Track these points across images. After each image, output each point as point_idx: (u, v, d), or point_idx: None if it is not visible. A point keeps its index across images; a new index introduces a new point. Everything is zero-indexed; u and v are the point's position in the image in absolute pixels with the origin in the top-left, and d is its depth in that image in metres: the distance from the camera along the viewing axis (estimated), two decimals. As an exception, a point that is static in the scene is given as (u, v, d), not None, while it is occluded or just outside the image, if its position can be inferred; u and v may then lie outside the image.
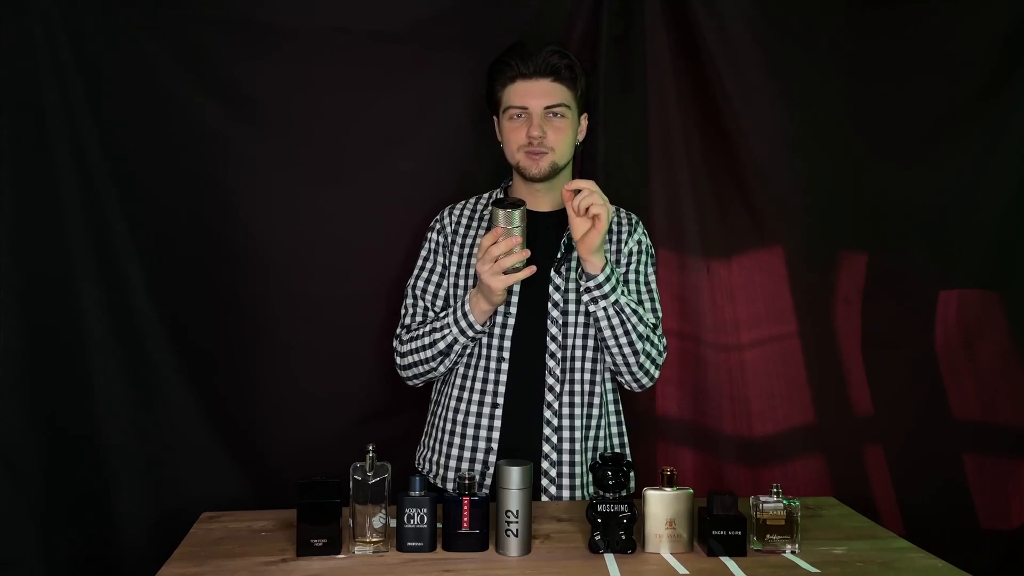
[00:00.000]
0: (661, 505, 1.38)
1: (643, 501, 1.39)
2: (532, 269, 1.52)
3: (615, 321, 1.59)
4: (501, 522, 1.37)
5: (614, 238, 1.73)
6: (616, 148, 1.98)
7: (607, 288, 1.56)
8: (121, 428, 1.85)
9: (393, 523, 1.38)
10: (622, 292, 1.60)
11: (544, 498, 1.64)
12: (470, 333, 1.59)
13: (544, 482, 1.65)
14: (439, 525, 1.40)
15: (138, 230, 1.85)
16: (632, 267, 1.71)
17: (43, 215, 1.80)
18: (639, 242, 1.74)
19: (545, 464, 1.65)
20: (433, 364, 1.63)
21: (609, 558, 1.36)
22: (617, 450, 1.74)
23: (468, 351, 1.65)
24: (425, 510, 1.37)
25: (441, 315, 1.64)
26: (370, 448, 1.37)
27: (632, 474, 1.61)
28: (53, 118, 1.78)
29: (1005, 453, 2.12)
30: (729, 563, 1.35)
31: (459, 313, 1.59)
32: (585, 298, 1.58)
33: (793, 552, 1.39)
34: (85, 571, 1.83)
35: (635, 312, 1.60)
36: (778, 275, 2.06)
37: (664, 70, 2.01)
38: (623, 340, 1.60)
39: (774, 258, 2.06)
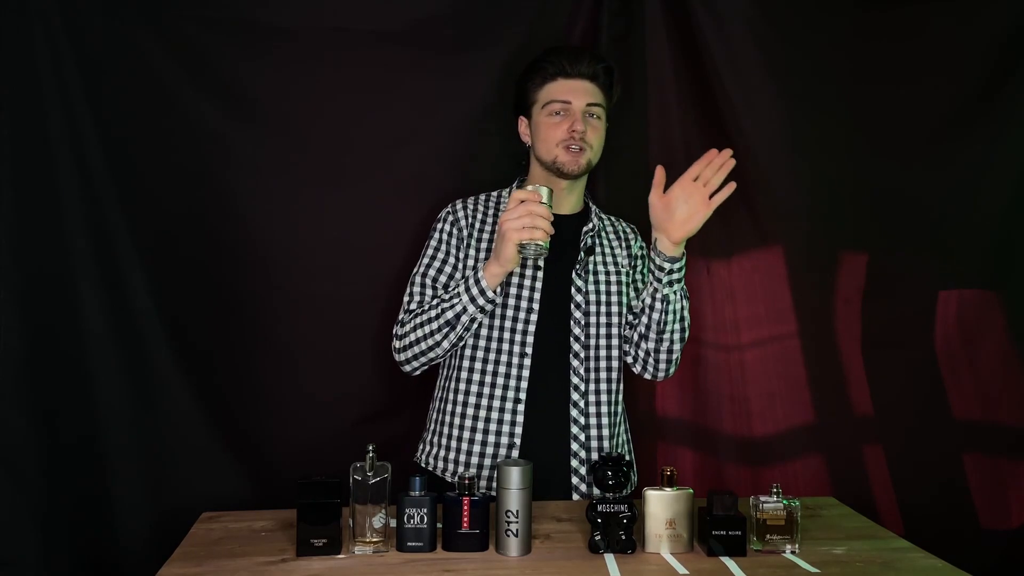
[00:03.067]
0: (661, 505, 1.38)
1: (643, 501, 1.39)
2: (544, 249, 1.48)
3: (682, 304, 1.66)
4: (501, 522, 1.37)
5: (623, 243, 1.79)
6: (616, 148, 1.98)
7: (685, 271, 1.64)
8: (121, 428, 1.85)
9: (393, 523, 1.38)
10: None
11: (575, 496, 1.65)
12: (480, 301, 1.55)
13: (575, 480, 1.65)
14: (439, 525, 1.40)
15: (138, 230, 1.85)
16: (639, 269, 1.79)
17: (43, 215, 1.80)
18: (642, 247, 1.82)
19: (575, 463, 1.65)
20: (437, 338, 1.59)
21: (609, 558, 1.36)
22: (625, 447, 1.75)
23: (476, 325, 1.60)
24: (425, 510, 1.37)
25: (450, 289, 1.62)
26: (370, 448, 1.37)
27: (633, 472, 1.61)
28: (53, 118, 1.79)
29: (1005, 453, 2.12)
30: (729, 563, 1.35)
31: (470, 281, 1.56)
32: (664, 279, 1.62)
33: (793, 552, 1.39)
34: (85, 571, 1.83)
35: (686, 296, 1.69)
36: (778, 275, 2.06)
37: (664, 70, 2.01)
38: (678, 326, 1.67)
39: (774, 258, 2.06)
